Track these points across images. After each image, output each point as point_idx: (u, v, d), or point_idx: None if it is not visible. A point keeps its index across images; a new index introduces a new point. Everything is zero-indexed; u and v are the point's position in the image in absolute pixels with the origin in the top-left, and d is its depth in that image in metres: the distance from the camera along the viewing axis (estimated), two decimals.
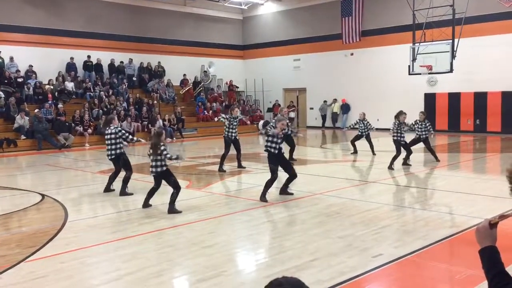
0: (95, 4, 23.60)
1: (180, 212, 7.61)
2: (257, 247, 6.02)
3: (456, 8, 17.48)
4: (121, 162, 9.38)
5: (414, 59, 18.27)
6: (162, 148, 7.64)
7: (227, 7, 28.47)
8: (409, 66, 18.59)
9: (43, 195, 9.26)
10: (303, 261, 5.23)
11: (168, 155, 7.65)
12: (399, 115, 12.23)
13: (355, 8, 25.06)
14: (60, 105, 19.95)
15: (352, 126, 15.60)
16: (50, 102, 20.20)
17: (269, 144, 8.51)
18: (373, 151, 14.50)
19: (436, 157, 12.99)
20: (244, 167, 12.29)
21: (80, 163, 15.00)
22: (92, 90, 22.35)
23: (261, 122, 26.32)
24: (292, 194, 8.78)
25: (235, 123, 12.02)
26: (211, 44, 28.44)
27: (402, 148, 12.14)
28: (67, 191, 10.10)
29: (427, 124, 12.99)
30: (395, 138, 12.11)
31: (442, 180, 10.76)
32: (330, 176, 10.95)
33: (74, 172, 12.99)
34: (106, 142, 9.43)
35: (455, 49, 17.29)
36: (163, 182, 7.97)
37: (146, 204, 8.02)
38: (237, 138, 12.18)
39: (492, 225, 2.09)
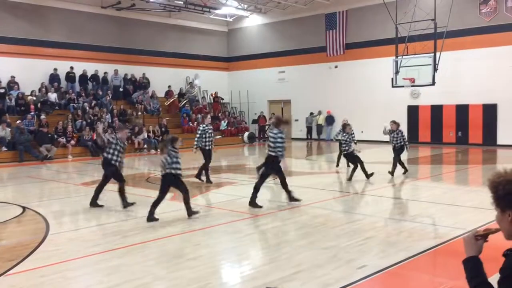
0: (79, 15, 23.50)
1: (197, 212, 7.99)
2: (242, 259, 5.99)
3: (438, 22, 17.79)
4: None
5: (397, 72, 18.50)
6: (174, 153, 7.67)
7: (212, 19, 28.58)
8: (392, 78, 18.81)
9: (24, 208, 9.10)
10: (288, 272, 5.21)
11: (168, 161, 7.61)
12: (346, 126, 12.16)
13: (339, 22, 25.39)
14: (42, 116, 19.73)
15: (335, 138, 14.95)
16: (32, 113, 19.97)
17: (280, 150, 8.56)
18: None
19: (405, 168, 12.76)
20: (202, 181, 11.74)
21: (62, 175, 14.81)
22: (75, 102, 22.17)
23: (246, 134, 26.38)
24: (261, 207, 8.64)
25: (209, 132, 11.64)
26: (196, 56, 28.49)
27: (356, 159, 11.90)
28: (49, 203, 9.95)
29: (401, 134, 12.66)
30: (347, 151, 11.96)
31: (425, 191, 10.85)
32: (315, 188, 10.97)
33: (56, 184, 12.81)
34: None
35: (437, 62, 17.56)
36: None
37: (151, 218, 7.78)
38: (210, 148, 11.72)
39: (478, 237, 2.12)
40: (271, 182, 11.16)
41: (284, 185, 8.88)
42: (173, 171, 7.71)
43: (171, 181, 7.83)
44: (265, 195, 10.19)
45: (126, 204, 8.88)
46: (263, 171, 8.95)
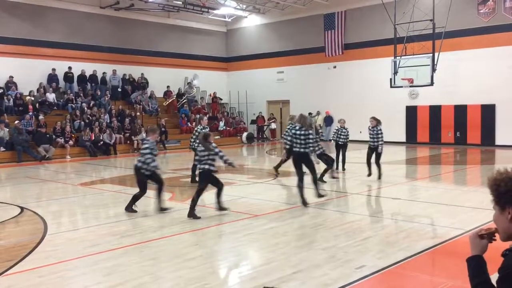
0: (77, 15, 23.47)
1: (227, 208, 8.25)
2: (240, 259, 5.98)
3: (436, 23, 17.82)
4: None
5: (395, 72, 18.51)
6: (217, 149, 7.96)
7: (211, 20, 28.58)
8: (390, 79, 18.83)
9: (22, 208, 9.08)
10: (286, 273, 5.21)
11: (225, 157, 8.05)
12: (297, 119, 11.75)
13: (338, 22, 25.40)
14: (41, 117, 19.71)
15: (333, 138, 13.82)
16: (30, 113, 19.94)
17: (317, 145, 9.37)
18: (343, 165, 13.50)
19: (370, 171, 11.99)
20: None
21: (60, 175, 14.79)
22: (74, 102, 22.14)
23: (245, 134, 26.38)
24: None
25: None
26: (194, 56, 28.47)
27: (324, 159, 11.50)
28: (47, 203, 9.93)
29: (377, 131, 11.95)
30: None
31: (423, 191, 10.86)
32: (313, 188, 10.96)
33: (54, 184, 12.79)
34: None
35: (435, 63, 17.58)
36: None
37: (192, 214, 7.92)
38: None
39: (482, 236, 2.12)
40: (272, 181, 11.13)
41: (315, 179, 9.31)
42: (211, 167, 8.01)
43: (208, 177, 8.08)
44: (264, 195, 10.19)
45: (162, 208, 8.45)
46: (311, 167, 9.20)
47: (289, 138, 9.61)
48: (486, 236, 2.13)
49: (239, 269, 5.62)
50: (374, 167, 12.03)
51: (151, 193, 8.77)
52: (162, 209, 8.47)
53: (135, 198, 8.45)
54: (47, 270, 5.43)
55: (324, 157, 11.44)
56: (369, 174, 12.00)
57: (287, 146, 10.13)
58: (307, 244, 6.37)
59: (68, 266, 5.61)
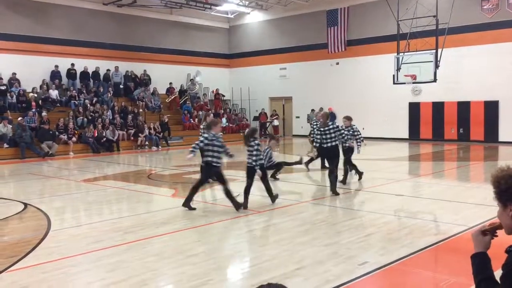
0: (80, 11, 23.48)
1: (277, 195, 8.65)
2: (243, 256, 5.99)
3: (440, 19, 17.74)
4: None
5: (398, 69, 18.46)
6: (256, 146, 8.29)
7: (213, 16, 28.54)
8: (393, 75, 18.78)
9: (25, 204, 9.11)
10: (289, 269, 5.21)
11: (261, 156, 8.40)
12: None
13: (341, 18, 25.33)
14: (44, 113, 19.74)
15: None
16: (33, 110, 19.98)
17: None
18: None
19: (345, 179, 10.81)
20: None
21: (64, 172, 14.83)
22: (77, 99, 22.17)
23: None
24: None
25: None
26: (197, 52, 28.44)
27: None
28: (50, 200, 9.96)
29: (352, 131, 11.00)
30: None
31: (426, 188, 10.84)
32: (315, 185, 10.97)
33: (58, 180, 12.83)
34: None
35: (438, 59, 17.53)
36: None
37: (245, 205, 8.22)
38: None
39: (484, 232, 2.12)
40: (272, 179, 11.14)
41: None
42: (253, 163, 8.30)
43: (249, 172, 8.42)
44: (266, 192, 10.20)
45: (237, 204, 8.18)
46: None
47: (318, 136, 9.84)
48: (489, 232, 2.13)
49: (241, 265, 5.63)
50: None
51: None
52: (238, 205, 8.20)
53: (228, 193, 8.15)
54: (51, 266, 5.45)
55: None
56: (345, 178, 10.88)
57: (317, 144, 10.25)
58: (309, 241, 6.37)
59: (71, 262, 5.63)
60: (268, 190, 8.63)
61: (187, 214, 8.02)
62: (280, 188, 10.20)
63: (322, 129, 9.52)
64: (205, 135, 8.35)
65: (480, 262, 2.06)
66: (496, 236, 2.13)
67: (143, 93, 24.82)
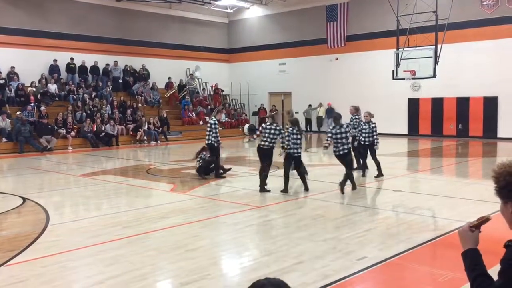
0: (79, 5, 23.39)
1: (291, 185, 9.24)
2: (242, 250, 6.00)
3: (439, 14, 17.69)
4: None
5: (398, 64, 18.42)
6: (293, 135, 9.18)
7: (212, 11, 28.46)
8: (393, 71, 18.73)
9: (24, 199, 9.11)
10: (287, 264, 5.22)
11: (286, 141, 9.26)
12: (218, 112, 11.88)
13: (340, 14, 25.27)
14: (42, 108, 19.71)
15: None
16: (32, 104, 19.94)
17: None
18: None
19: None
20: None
21: (62, 166, 14.82)
22: (75, 93, 22.13)
23: (247, 126, 26.35)
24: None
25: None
26: (196, 47, 28.38)
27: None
28: (49, 194, 9.96)
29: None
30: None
31: (425, 184, 10.86)
32: (314, 180, 10.97)
33: (56, 175, 12.82)
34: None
35: (438, 55, 17.49)
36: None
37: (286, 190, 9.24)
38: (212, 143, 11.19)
39: (472, 228, 2.12)
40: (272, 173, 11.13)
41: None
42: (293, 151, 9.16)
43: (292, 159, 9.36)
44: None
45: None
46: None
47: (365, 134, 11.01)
48: (476, 227, 2.13)
49: (240, 260, 5.64)
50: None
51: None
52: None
53: (264, 177, 9.42)
54: (49, 260, 5.46)
55: None
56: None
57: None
58: (308, 236, 6.39)
59: (70, 256, 5.63)
60: (303, 180, 9.53)
61: (185, 209, 8.03)
62: (280, 183, 10.18)
63: (337, 131, 9.42)
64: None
65: (473, 258, 2.06)
66: (480, 231, 2.13)
67: (142, 87, 24.78)
